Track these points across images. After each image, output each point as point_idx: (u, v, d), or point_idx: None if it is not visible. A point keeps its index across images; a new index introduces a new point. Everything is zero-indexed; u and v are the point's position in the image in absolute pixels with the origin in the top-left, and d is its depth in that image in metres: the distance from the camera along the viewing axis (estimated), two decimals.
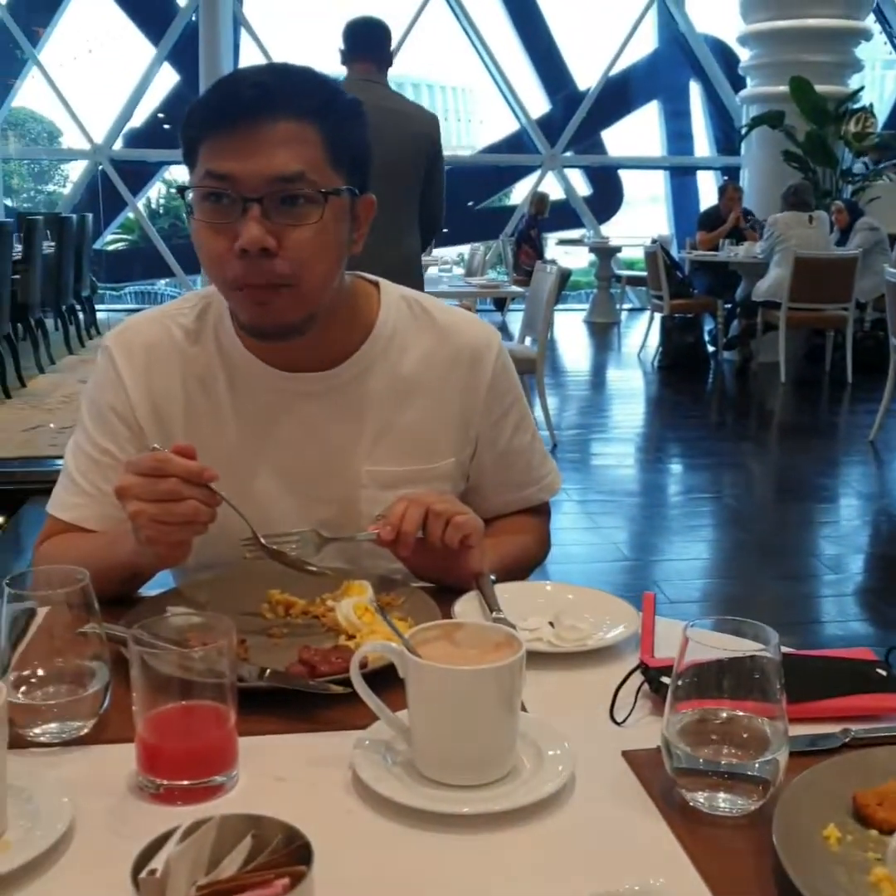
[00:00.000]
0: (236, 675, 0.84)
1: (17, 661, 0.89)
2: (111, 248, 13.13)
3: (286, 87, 1.13)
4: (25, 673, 0.89)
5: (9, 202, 11.71)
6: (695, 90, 13.08)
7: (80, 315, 8.62)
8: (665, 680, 0.95)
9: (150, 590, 1.24)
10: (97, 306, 9.62)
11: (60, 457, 4.44)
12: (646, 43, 12.82)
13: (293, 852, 0.63)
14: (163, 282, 12.96)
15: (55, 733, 0.89)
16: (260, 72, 1.16)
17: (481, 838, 0.78)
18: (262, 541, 1.13)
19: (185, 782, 0.81)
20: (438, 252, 10.12)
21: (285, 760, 0.87)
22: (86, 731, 0.90)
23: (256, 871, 0.62)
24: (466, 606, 1.13)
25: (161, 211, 13.28)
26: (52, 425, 5.71)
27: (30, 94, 11.93)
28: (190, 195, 1.16)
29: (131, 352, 1.29)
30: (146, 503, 1.02)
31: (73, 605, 0.89)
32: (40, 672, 0.90)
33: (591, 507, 4.67)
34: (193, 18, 10.68)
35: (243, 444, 1.28)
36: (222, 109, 1.12)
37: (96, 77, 12.39)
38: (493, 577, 1.18)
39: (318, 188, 1.13)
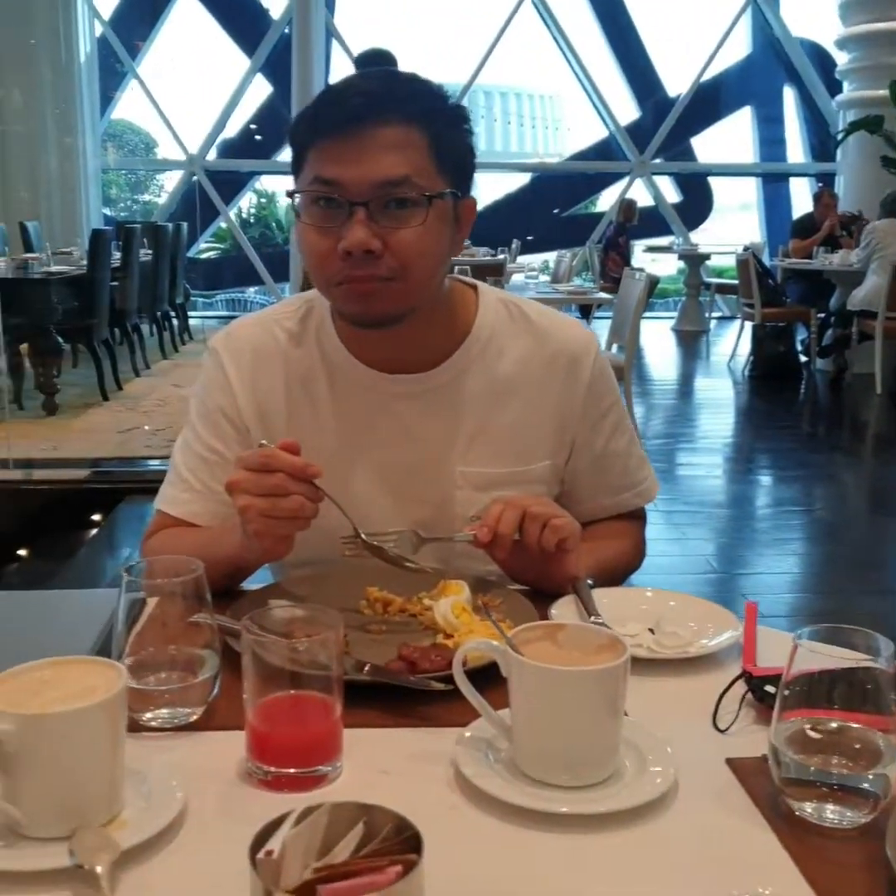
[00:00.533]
0: (343, 667, 0.86)
1: (130, 648, 0.92)
2: (204, 256, 13.43)
3: (393, 92, 1.15)
4: (139, 659, 0.92)
5: (107, 211, 12.06)
6: (789, 95, 12.83)
7: (175, 321, 8.86)
8: (770, 689, 0.94)
9: (247, 586, 1.27)
10: (190, 313, 9.86)
11: (155, 458, 4.54)
12: (739, 48, 12.64)
13: (403, 842, 0.63)
14: (252, 289, 13.19)
15: (166, 719, 0.92)
16: (367, 78, 1.18)
17: (583, 839, 0.78)
18: (363, 537, 1.15)
19: (292, 770, 0.83)
20: (524, 259, 10.11)
21: (387, 754, 0.89)
22: (195, 717, 0.93)
23: (368, 857, 0.63)
24: (563, 610, 1.13)
25: (252, 220, 13.53)
26: (146, 427, 5.88)
27: (128, 106, 12.29)
28: (297, 199, 1.19)
29: (238, 354, 1.32)
30: (254, 497, 1.05)
31: (187, 594, 0.92)
32: (153, 659, 0.93)
33: (679, 518, 4.61)
34: (287, 31, 10.88)
35: (342, 444, 1.30)
36: (330, 116, 1.14)
37: (192, 89, 12.72)
38: (590, 582, 1.18)
39: (423, 192, 1.14)
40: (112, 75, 11.60)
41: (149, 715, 0.92)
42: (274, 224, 13.47)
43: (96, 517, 4.53)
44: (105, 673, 0.79)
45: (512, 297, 1.37)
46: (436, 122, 1.16)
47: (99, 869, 0.69)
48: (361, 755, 0.87)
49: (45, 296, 6.01)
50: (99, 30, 11.11)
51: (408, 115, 1.14)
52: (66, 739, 0.73)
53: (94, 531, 4.48)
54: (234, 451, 1.29)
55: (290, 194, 1.19)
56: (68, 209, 10.33)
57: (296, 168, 1.19)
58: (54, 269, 6.52)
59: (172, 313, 8.79)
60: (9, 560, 4.15)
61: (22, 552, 4.24)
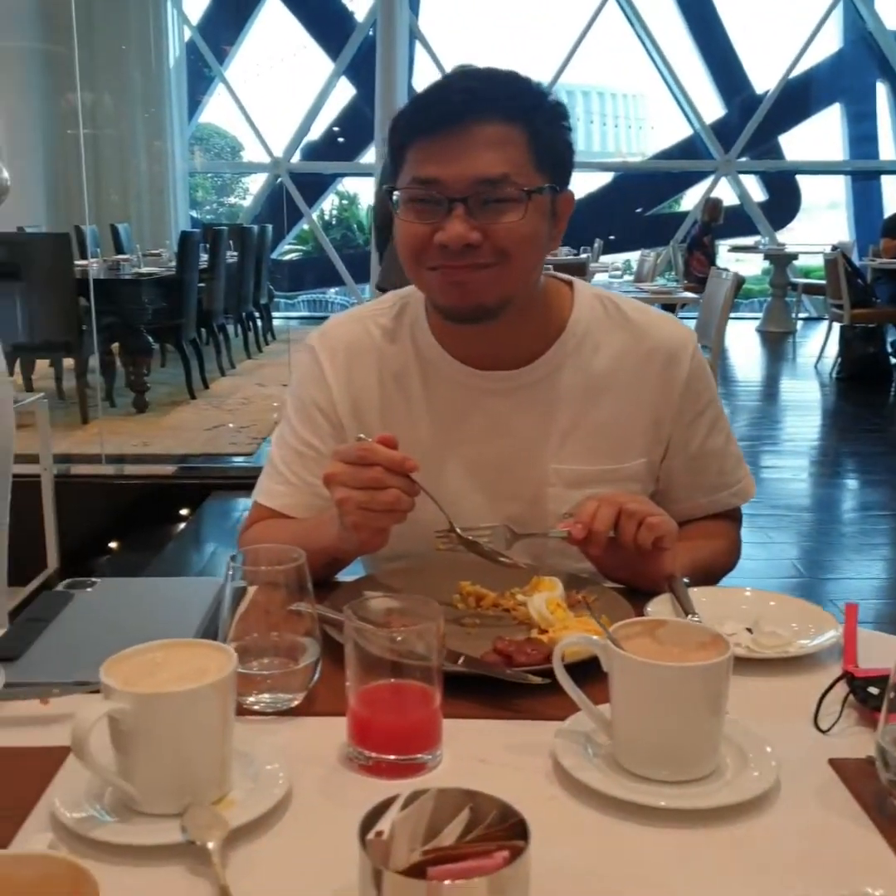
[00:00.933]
0: (442, 657, 0.86)
1: (234, 633, 0.95)
2: (286, 257, 13.62)
3: (493, 90, 1.16)
4: (242, 644, 0.94)
5: (194, 214, 12.31)
6: (881, 91, 12.48)
7: (259, 322, 9.01)
8: (873, 690, 0.92)
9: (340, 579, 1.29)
10: (273, 314, 10.01)
11: (239, 455, 4.62)
12: (830, 42, 12.34)
13: (509, 828, 0.64)
14: (333, 290, 13.33)
15: (268, 703, 0.94)
16: (467, 76, 1.19)
17: (682, 834, 0.77)
18: (458, 531, 1.16)
19: (393, 757, 0.84)
20: (606, 258, 10.04)
21: (485, 744, 0.89)
22: (296, 703, 0.95)
23: (475, 842, 0.64)
24: (660, 608, 1.12)
25: (333, 222, 13.68)
26: (231, 425, 5.99)
27: (215, 109, 12.52)
28: (395, 195, 1.20)
29: (334, 350, 1.35)
30: (352, 490, 1.07)
31: (289, 582, 0.94)
32: (256, 644, 0.95)
33: (764, 522, 4.52)
34: (371, 33, 10.97)
35: (435, 440, 1.31)
36: (430, 114, 1.15)
37: (277, 92, 12.88)
38: (686, 581, 1.17)
39: (522, 188, 1.15)
40: (199, 79, 11.83)
41: (251, 699, 0.94)
42: (355, 226, 13.59)
43: (183, 512, 4.66)
44: (215, 655, 0.81)
45: (608, 293, 1.37)
46: (535, 119, 1.16)
47: (211, 845, 0.71)
48: (459, 745, 0.88)
49: (135, 296, 6.18)
50: (187, 35, 11.35)
51: (508, 112, 1.15)
52: (180, 718, 0.75)
53: (182, 525, 4.60)
54: (329, 446, 1.31)
55: (389, 191, 1.20)
56: (157, 212, 10.58)
57: (394, 165, 1.21)
58: (144, 270, 6.69)
59: (256, 314, 8.94)
60: (101, 552, 4.28)
61: (113, 545, 4.38)
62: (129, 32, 10.17)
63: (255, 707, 0.94)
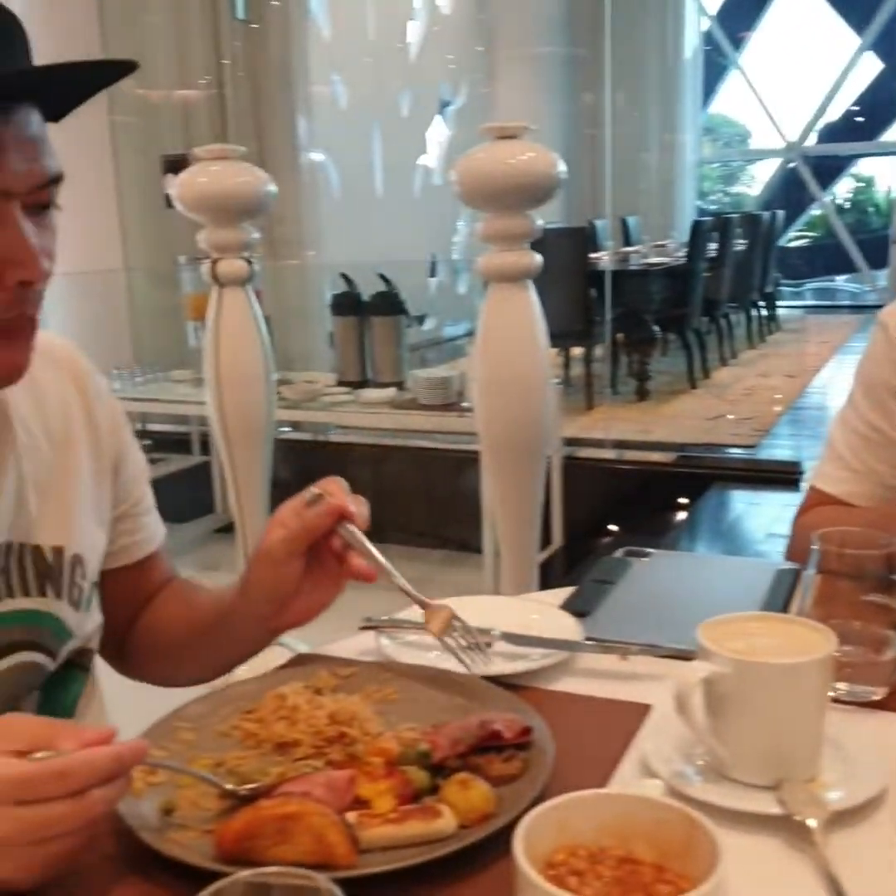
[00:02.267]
0: None
1: (812, 617, 0.92)
2: (792, 244, 13.11)
3: None
4: None
5: (699, 204, 12.29)
6: None
7: (763, 311, 8.76)
8: None
9: None
10: (777, 303, 9.68)
11: (741, 446, 4.50)
12: None
13: None
14: (842, 278, 12.58)
15: (848, 692, 0.90)
16: None
17: None
18: None
19: None
20: None
21: None
22: (877, 696, 0.90)
23: None
24: None
25: (847, 205, 12.89)
26: (732, 416, 5.90)
27: (725, 97, 12.37)
28: None
29: None
30: None
31: (876, 570, 0.89)
32: (836, 631, 0.91)
33: None
34: None
35: None
36: None
37: (793, 74, 12.39)
38: None
39: None
40: (713, 68, 11.75)
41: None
42: (871, 209, 12.68)
43: (682, 500, 4.66)
44: (808, 634, 0.79)
45: None
46: None
47: (812, 823, 0.70)
48: None
49: (643, 287, 6.31)
50: (705, 25, 11.30)
51: None
52: (780, 690, 0.75)
53: (681, 514, 4.60)
54: None
55: None
56: (665, 203, 10.71)
57: None
58: (653, 260, 6.81)
59: (761, 303, 8.71)
60: (601, 533, 4.45)
61: (613, 527, 4.52)
62: (648, 29, 10.38)
63: (834, 694, 0.90)
